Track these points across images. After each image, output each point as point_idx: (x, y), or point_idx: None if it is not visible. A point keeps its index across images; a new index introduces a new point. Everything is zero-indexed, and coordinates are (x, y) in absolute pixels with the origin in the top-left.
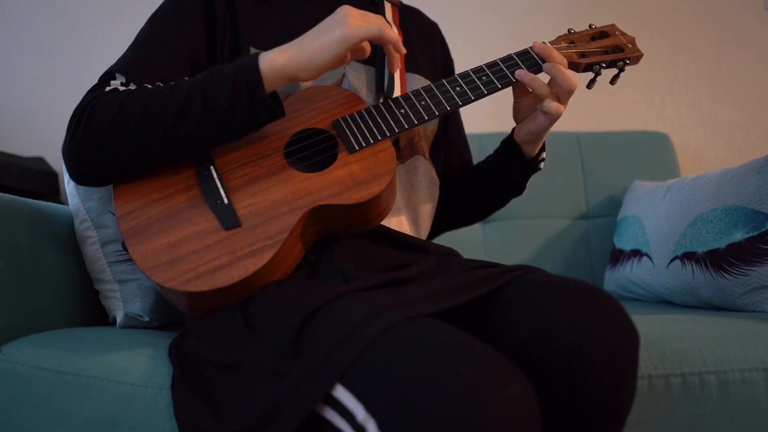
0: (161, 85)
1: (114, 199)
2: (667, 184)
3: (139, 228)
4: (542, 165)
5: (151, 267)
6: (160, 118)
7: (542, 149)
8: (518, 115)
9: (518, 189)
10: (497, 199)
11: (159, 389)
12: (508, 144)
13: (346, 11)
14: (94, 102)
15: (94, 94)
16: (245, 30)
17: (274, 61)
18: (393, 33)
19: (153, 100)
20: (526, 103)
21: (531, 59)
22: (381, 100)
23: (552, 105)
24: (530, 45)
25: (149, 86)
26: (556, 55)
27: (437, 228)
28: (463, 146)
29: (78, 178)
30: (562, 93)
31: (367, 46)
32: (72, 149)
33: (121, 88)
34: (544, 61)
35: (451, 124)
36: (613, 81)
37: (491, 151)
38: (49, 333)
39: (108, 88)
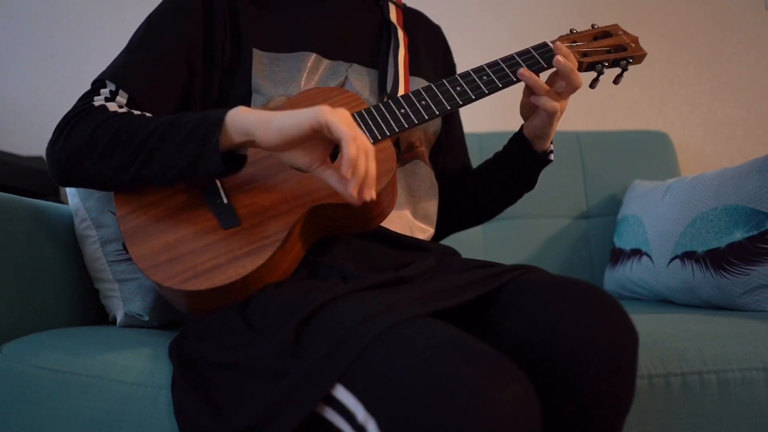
0: (148, 115)
1: (114, 200)
2: (667, 184)
3: (138, 228)
4: (551, 156)
5: (149, 266)
6: (126, 147)
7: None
8: (524, 111)
9: (530, 184)
10: (509, 195)
11: (159, 389)
12: (518, 139)
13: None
14: (78, 118)
15: (83, 107)
16: (248, 31)
17: (240, 111)
18: (359, 146)
19: (125, 130)
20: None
21: (532, 59)
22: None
23: (549, 103)
24: (530, 45)
25: (135, 112)
26: (572, 58)
27: (444, 230)
28: (461, 150)
29: (56, 181)
30: (565, 90)
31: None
32: (51, 155)
33: (109, 106)
34: (548, 62)
35: (450, 127)
36: (616, 80)
37: (492, 151)
38: (49, 332)
39: (97, 102)
